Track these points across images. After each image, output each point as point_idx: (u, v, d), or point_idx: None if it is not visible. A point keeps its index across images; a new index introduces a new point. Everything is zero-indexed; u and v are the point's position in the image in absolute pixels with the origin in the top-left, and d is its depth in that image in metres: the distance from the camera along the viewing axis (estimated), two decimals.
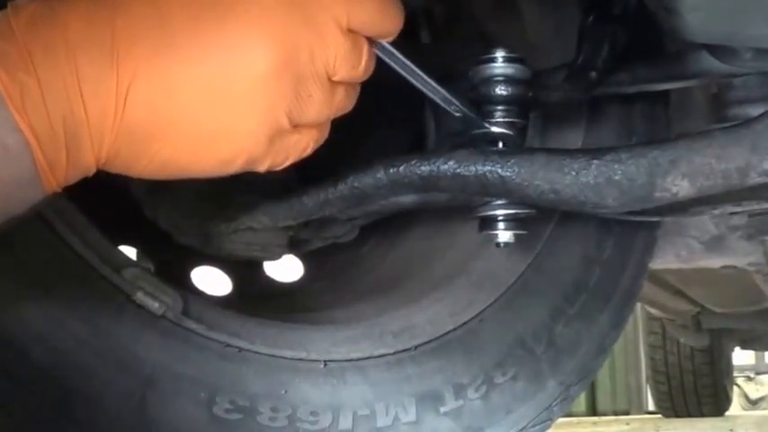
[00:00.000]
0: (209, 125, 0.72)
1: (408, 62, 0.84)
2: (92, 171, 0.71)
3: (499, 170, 0.92)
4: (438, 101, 0.90)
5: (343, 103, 0.79)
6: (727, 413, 5.21)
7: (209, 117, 0.72)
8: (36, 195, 0.69)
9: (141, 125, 0.69)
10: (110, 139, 0.69)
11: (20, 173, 0.66)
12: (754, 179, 0.90)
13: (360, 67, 0.77)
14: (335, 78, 0.76)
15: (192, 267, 1.28)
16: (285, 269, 1.35)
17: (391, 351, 1.12)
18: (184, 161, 0.73)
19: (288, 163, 0.79)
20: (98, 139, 0.69)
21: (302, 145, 0.78)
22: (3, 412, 0.88)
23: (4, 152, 0.65)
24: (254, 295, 1.31)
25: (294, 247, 1.16)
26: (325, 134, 0.80)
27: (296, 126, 0.76)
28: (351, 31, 0.75)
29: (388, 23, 0.78)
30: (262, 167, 0.77)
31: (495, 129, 0.95)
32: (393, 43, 0.81)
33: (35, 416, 0.89)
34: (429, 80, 0.88)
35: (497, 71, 0.96)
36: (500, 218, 0.98)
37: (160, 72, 0.69)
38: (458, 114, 0.93)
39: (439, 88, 0.89)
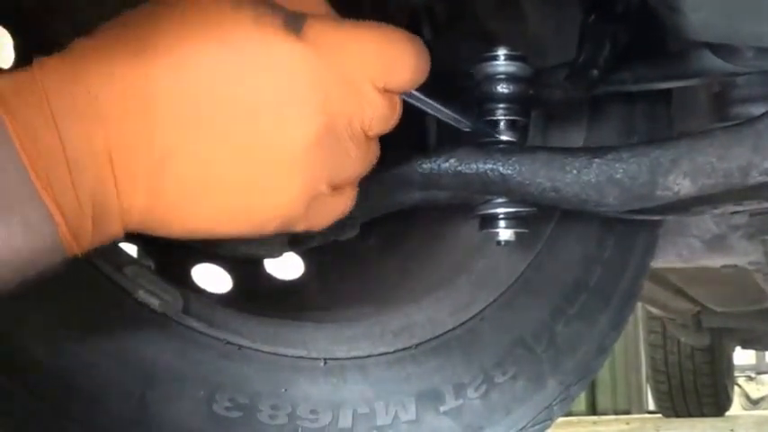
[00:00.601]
0: (246, 196, 0.70)
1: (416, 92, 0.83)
2: (119, 236, 0.69)
3: (500, 168, 0.92)
4: (448, 121, 0.90)
5: (376, 155, 0.78)
6: (727, 413, 5.21)
7: (246, 188, 0.70)
8: (57, 260, 0.66)
9: (175, 196, 0.68)
10: (141, 209, 0.68)
11: (42, 244, 0.64)
12: (756, 178, 0.90)
13: (393, 120, 0.76)
14: (370, 134, 0.75)
15: (193, 265, 1.28)
16: (286, 267, 1.35)
17: (391, 350, 1.12)
18: (218, 227, 0.72)
19: (325, 225, 0.78)
20: (128, 209, 0.67)
21: (340, 207, 0.78)
22: (3, 410, 0.88)
23: (25, 226, 0.63)
24: (255, 293, 1.31)
25: (295, 244, 1.16)
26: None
27: (334, 188, 0.75)
28: (387, 90, 0.74)
29: (420, 76, 0.77)
30: (298, 229, 0.76)
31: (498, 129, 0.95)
32: None
33: (35, 414, 0.89)
34: (436, 105, 0.87)
35: (499, 69, 0.95)
36: (501, 216, 0.98)
37: (197, 144, 0.67)
38: (467, 130, 0.92)
39: (447, 111, 0.89)
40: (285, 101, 0.69)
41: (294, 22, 0.69)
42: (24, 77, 0.64)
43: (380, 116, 0.74)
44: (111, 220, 0.67)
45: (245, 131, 0.68)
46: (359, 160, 0.75)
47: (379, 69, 0.73)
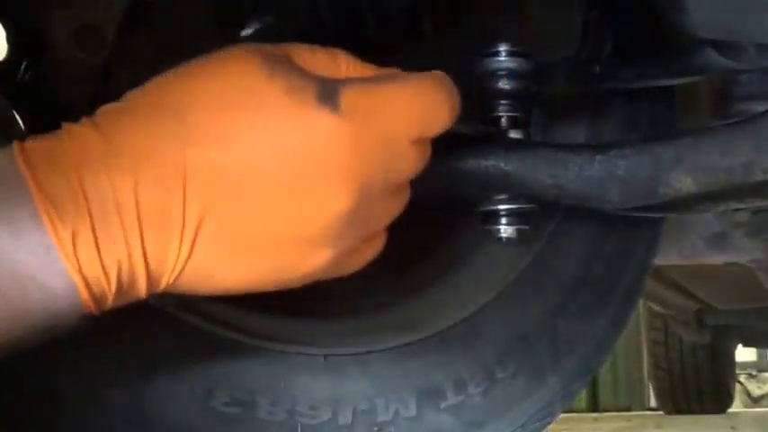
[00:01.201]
0: (278, 261, 0.70)
1: None
2: (143, 298, 0.69)
3: (502, 164, 0.91)
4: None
5: (406, 197, 0.78)
6: (728, 410, 5.21)
7: (279, 255, 0.70)
8: (74, 322, 0.66)
9: (205, 264, 0.68)
10: (169, 278, 0.67)
11: (62, 310, 0.64)
12: (758, 176, 0.90)
13: (424, 163, 0.76)
14: (402, 183, 0.75)
15: None
16: None
17: (392, 345, 1.12)
18: (247, 287, 0.72)
19: (354, 270, 0.78)
20: (156, 278, 0.67)
21: (370, 254, 0.78)
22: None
23: (46, 295, 0.63)
24: None
25: None
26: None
27: (365, 240, 0.75)
28: (422, 139, 0.74)
29: (454, 119, 0.76)
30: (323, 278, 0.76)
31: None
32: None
33: (26, 406, 0.89)
34: None
35: (501, 65, 0.95)
36: (502, 213, 0.98)
37: (230, 214, 0.67)
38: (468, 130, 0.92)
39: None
40: (320, 176, 0.68)
41: (328, 94, 0.68)
42: (55, 148, 0.64)
43: (414, 167, 0.74)
44: (137, 288, 0.67)
45: (279, 204, 0.68)
46: (390, 211, 0.76)
47: (415, 126, 0.73)
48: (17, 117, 0.96)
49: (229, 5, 1.05)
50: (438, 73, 0.76)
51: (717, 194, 0.99)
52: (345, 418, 1.07)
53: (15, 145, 0.65)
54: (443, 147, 0.93)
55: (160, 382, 0.95)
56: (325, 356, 1.08)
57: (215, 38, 1.05)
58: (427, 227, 1.31)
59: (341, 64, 0.75)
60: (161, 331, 0.97)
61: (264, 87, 0.67)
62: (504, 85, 0.95)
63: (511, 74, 0.95)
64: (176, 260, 0.66)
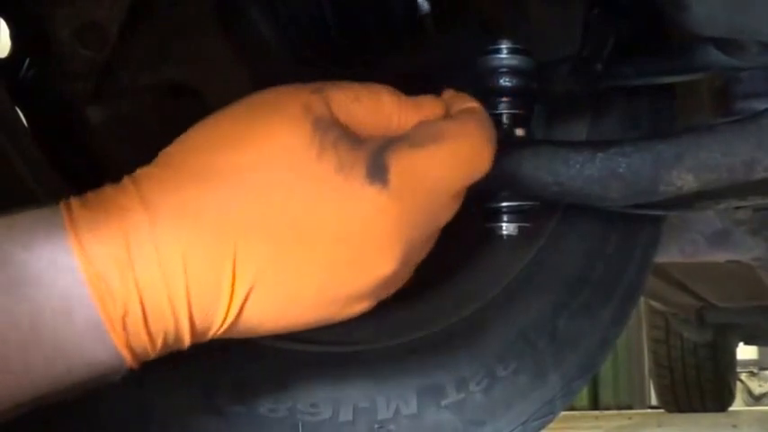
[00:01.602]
0: (321, 314, 0.72)
1: None
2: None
3: (503, 162, 0.91)
4: None
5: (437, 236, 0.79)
6: (730, 408, 5.21)
7: (323, 310, 0.71)
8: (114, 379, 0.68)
9: (251, 321, 0.69)
10: (214, 334, 0.69)
11: (107, 374, 0.66)
12: (760, 174, 0.90)
13: (458, 207, 0.77)
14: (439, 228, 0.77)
15: None
16: None
17: (393, 343, 1.12)
18: (285, 332, 0.73)
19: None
20: (201, 335, 0.68)
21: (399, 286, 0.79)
22: None
23: (91, 365, 0.64)
24: None
25: None
26: None
27: None
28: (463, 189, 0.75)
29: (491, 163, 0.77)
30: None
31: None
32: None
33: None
34: None
35: (502, 62, 0.95)
36: (504, 210, 0.98)
37: (280, 282, 0.67)
38: None
39: None
40: (368, 246, 0.69)
41: (377, 170, 0.69)
42: (98, 215, 0.64)
43: (452, 214, 0.76)
44: (179, 344, 0.68)
45: (327, 271, 0.69)
46: (426, 250, 0.78)
47: (459, 182, 0.74)
48: (20, 114, 0.96)
49: (230, 2, 1.05)
50: (479, 114, 0.78)
51: (718, 192, 0.99)
52: (346, 415, 1.07)
53: (64, 212, 0.64)
54: None
55: (161, 380, 0.95)
56: (327, 354, 1.08)
57: (216, 35, 1.06)
58: None
59: (385, 108, 0.74)
60: None
61: (315, 166, 0.67)
62: (505, 82, 0.95)
63: (512, 71, 0.95)
64: (223, 322, 0.67)
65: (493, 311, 1.17)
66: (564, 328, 1.20)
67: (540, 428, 1.19)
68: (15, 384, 0.62)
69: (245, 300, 0.67)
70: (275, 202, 0.66)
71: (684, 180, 0.90)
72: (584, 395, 6.73)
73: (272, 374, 1.03)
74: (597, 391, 7.01)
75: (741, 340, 5.27)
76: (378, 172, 0.68)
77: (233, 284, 0.66)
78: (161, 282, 0.63)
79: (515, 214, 0.98)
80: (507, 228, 0.98)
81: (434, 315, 1.16)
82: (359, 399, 1.08)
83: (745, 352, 8.13)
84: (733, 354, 5.32)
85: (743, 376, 8.71)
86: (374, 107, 0.74)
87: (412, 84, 0.89)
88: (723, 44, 0.95)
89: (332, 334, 1.09)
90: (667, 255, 2.16)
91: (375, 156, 0.69)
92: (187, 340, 0.67)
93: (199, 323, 0.66)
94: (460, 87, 0.92)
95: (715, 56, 0.97)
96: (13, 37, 0.98)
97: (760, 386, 9.23)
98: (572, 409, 5.96)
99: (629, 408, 6.98)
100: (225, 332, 0.69)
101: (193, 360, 0.97)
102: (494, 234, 1.00)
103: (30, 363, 0.62)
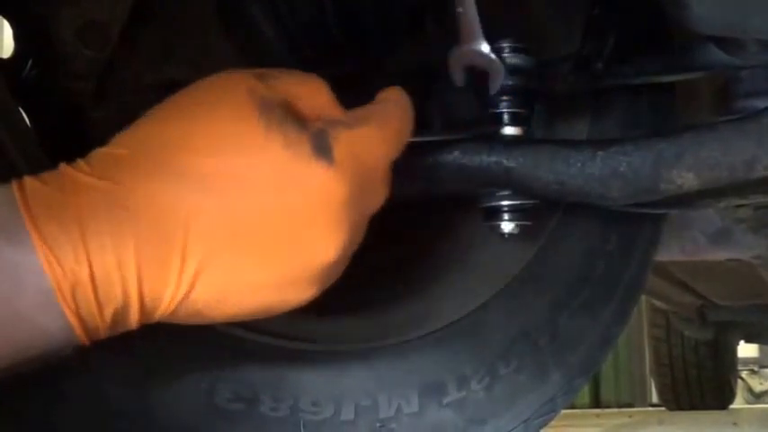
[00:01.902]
0: (268, 300, 0.73)
1: None
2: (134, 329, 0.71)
3: (504, 161, 0.92)
4: None
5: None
6: (730, 406, 5.20)
7: (270, 296, 0.73)
8: (67, 352, 0.69)
9: (198, 304, 0.70)
10: (161, 315, 0.70)
11: (57, 345, 0.66)
12: (760, 172, 0.90)
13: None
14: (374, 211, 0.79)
15: None
16: None
17: (394, 341, 1.12)
18: (234, 320, 0.74)
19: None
20: (149, 315, 0.69)
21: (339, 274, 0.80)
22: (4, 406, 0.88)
23: (43, 334, 0.65)
24: None
25: None
26: None
27: None
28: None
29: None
30: None
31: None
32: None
33: (32, 406, 0.89)
34: None
35: (503, 61, 0.95)
36: (504, 209, 0.98)
37: (226, 266, 0.69)
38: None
39: None
40: (315, 227, 0.72)
41: (322, 147, 0.72)
42: (54, 192, 0.66)
43: (385, 194, 0.80)
44: (129, 325, 0.69)
45: (275, 253, 0.71)
46: (362, 235, 0.79)
47: (390, 154, 0.78)
48: (22, 113, 0.96)
49: (232, 2, 1.05)
50: (398, 95, 0.82)
51: (719, 191, 0.99)
52: (348, 414, 1.07)
53: (15, 189, 0.66)
54: (447, 145, 0.93)
55: (163, 379, 0.95)
56: (328, 352, 1.08)
57: (218, 35, 1.06)
58: (430, 224, 1.31)
59: (323, 95, 0.78)
60: (164, 329, 0.97)
61: (263, 143, 0.70)
62: (506, 81, 0.95)
63: (513, 70, 0.95)
64: (170, 302, 0.68)
65: (494, 310, 1.18)
66: (565, 327, 1.20)
67: (541, 427, 1.19)
68: None
69: (194, 279, 0.68)
70: (225, 184, 0.68)
71: (685, 179, 0.90)
72: (585, 393, 6.72)
73: (273, 373, 1.03)
74: (598, 389, 7.00)
75: (742, 338, 5.26)
76: (323, 150, 0.72)
77: (183, 262, 0.67)
78: (112, 254, 0.65)
79: (516, 213, 0.98)
80: (508, 226, 0.99)
81: (436, 313, 1.16)
82: (360, 397, 1.08)
83: (746, 350, 8.11)
84: (734, 352, 5.31)
85: (744, 374, 8.69)
86: (313, 93, 0.77)
87: (412, 83, 0.90)
88: (723, 43, 0.95)
89: (333, 332, 1.10)
90: (668, 253, 2.16)
91: (318, 135, 0.72)
92: (136, 317, 0.68)
93: (148, 299, 0.67)
94: (461, 87, 0.92)
95: (715, 54, 0.97)
96: (16, 37, 0.98)
97: (761, 384, 9.21)
98: (573, 407, 5.95)
99: (630, 406, 6.97)
100: (173, 314, 0.70)
101: (195, 360, 0.98)
102: (495, 232, 1.00)
103: None
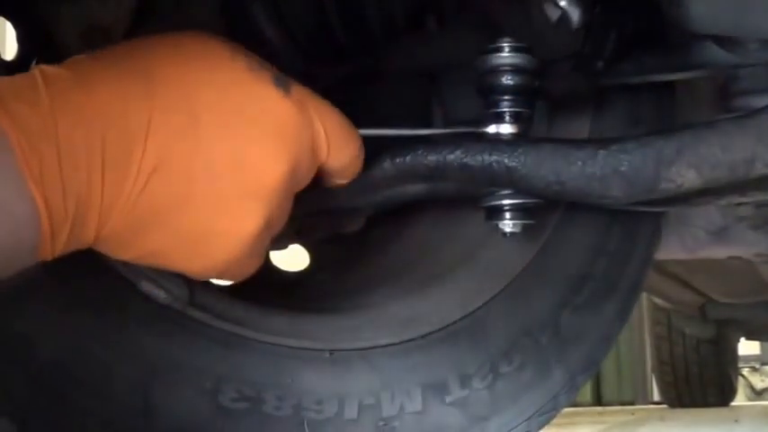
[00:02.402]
0: (208, 223, 0.76)
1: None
2: (85, 247, 0.73)
3: (506, 160, 0.92)
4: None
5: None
6: (731, 404, 5.20)
7: (211, 215, 0.76)
8: (28, 263, 0.69)
9: (148, 212, 0.72)
10: (117, 220, 0.71)
11: (22, 241, 0.67)
12: (760, 170, 0.90)
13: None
14: (302, 186, 0.84)
15: None
16: (291, 259, 1.35)
17: (397, 340, 1.12)
18: (170, 257, 0.77)
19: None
20: (105, 218, 0.71)
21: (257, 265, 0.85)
22: (10, 404, 0.88)
23: (10, 219, 0.65)
24: (260, 284, 1.31)
25: (301, 236, 1.16)
26: None
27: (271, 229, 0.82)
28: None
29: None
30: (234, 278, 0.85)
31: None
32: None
33: (37, 405, 0.89)
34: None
35: (504, 61, 0.96)
36: (506, 208, 0.98)
37: (181, 167, 0.72)
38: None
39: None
40: (267, 143, 0.77)
41: (282, 81, 0.79)
42: (27, 84, 0.68)
43: (312, 174, 0.84)
44: (87, 227, 0.71)
45: (226, 163, 0.75)
46: (287, 213, 0.83)
47: (333, 147, 0.84)
48: None
49: (235, 3, 1.05)
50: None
51: (719, 188, 0.99)
52: (351, 412, 1.07)
53: None
54: (447, 144, 0.94)
55: (168, 378, 0.96)
56: (331, 351, 1.08)
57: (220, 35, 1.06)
58: (432, 223, 1.32)
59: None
60: (170, 328, 0.97)
61: (228, 64, 0.77)
62: (507, 80, 0.95)
63: (514, 69, 0.95)
64: (128, 198, 0.71)
65: (496, 308, 1.18)
66: (567, 324, 1.20)
67: (543, 424, 1.20)
68: None
69: (151, 175, 0.71)
70: (189, 88, 0.74)
71: (685, 177, 0.91)
72: (587, 391, 6.71)
73: (276, 372, 1.03)
74: (600, 386, 6.99)
75: (743, 336, 5.26)
76: (282, 83, 0.79)
77: (143, 155, 0.70)
78: (82, 147, 0.67)
79: (518, 212, 0.99)
80: (510, 225, 0.99)
81: (438, 312, 1.16)
82: (363, 396, 1.08)
83: (747, 347, 8.10)
84: (735, 349, 5.30)
85: (745, 371, 8.68)
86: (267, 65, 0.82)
87: (412, 83, 0.90)
88: (723, 41, 0.95)
89: (336, 331, 1.10)
90: (669, 251, 2.16)
91: (280, 76, 0.79)
92: (94, 219, 0.70)
93: (108, 190, 0.69)
94: (462, 86, 0.92)
95: (715, 53, 0.97)
96: (20, 39, 0.98)
97: (762, 381, 9.20)
98: (575, 404, 5.95)
99: (632, 404, 6.96)
100: (125, 220, 0.71)
101: (199, 359, 0.98)
102: (497, 231, 1.00)
103: None
